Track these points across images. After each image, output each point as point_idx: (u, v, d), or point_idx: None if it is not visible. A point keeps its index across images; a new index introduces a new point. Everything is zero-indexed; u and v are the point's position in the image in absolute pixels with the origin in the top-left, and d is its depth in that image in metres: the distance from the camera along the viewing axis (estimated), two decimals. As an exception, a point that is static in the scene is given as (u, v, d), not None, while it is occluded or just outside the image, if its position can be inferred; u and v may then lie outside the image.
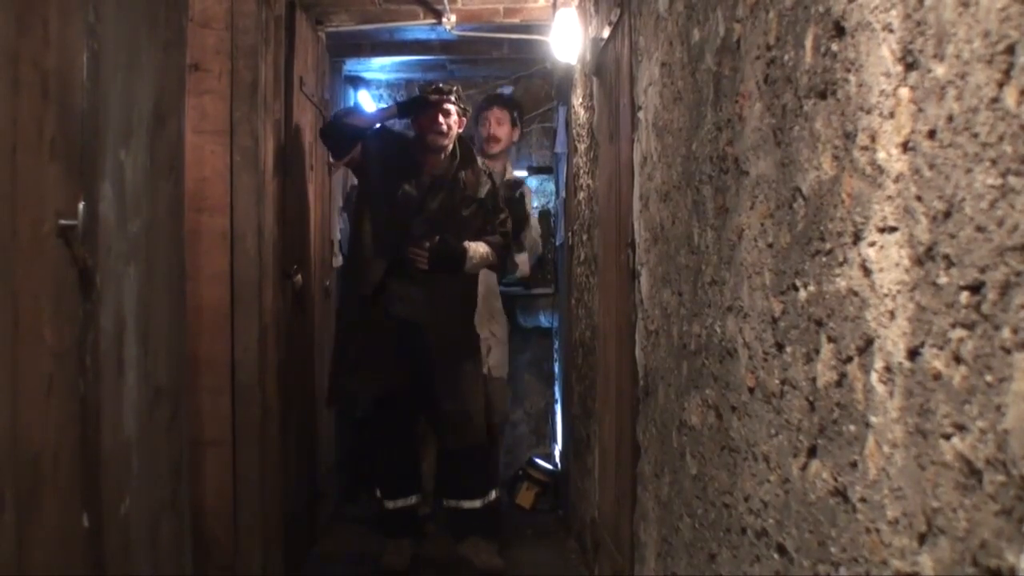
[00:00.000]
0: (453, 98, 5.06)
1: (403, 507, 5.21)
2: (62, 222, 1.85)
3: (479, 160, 5.36)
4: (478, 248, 5.14)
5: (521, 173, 6.87)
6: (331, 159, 5.63)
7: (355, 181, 6.20)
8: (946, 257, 1.16)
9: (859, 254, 1.43)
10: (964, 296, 1.12)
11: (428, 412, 5.25)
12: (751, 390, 1.99)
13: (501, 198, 5.38)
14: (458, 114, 5.10)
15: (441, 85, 5.10)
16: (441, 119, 5.02)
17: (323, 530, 5.57)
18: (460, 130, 5.19)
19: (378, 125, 5.24)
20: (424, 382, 5.08)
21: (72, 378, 1.92)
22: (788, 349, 1.75)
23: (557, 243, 6.47)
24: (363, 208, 5.20)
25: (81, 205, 1.92)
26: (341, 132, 5.13)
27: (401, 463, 5.25)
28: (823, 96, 1.59)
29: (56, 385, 1.84)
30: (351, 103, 6.95)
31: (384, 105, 7.06)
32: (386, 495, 5.22)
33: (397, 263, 5.00)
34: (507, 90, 7.10)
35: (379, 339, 4.99)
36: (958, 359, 1.13)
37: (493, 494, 5.29)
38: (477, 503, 5.21)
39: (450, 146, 5.11)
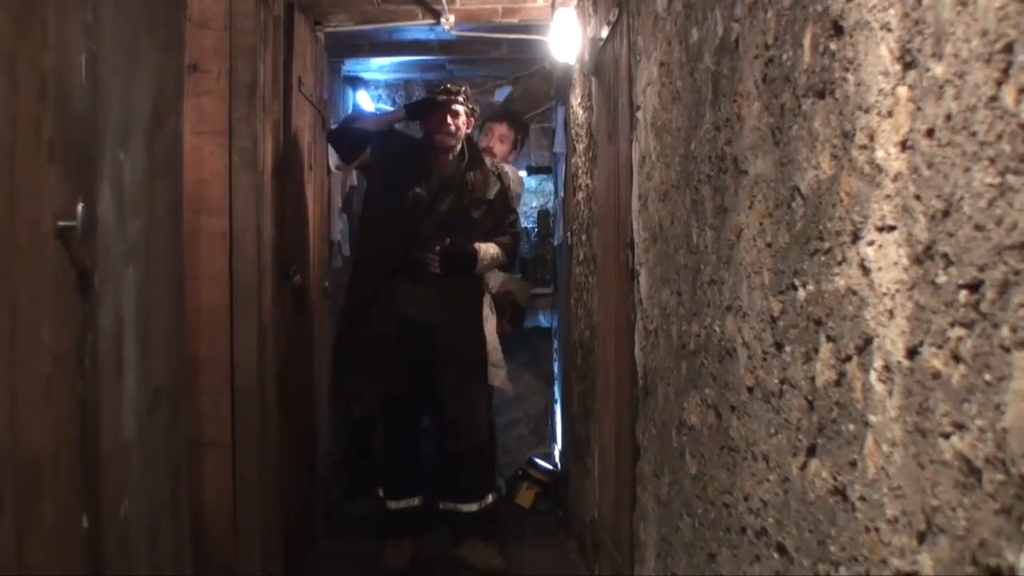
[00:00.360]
0: (461, 99, 5.06)
1: (405, 508, 5.21)
2: (61, 223, 1.85)
3: (487, 160, 5.36)
4: (488, 249, 5.15)
5: (520, 174, 6.88)
6: (337, 163, 5.63)
7: (355, 182, 6.22)
8: (945, 256, 1.16)
9: (858, 253, 1.43)
10: (963, 295, 1.12)
11: (430, 413, 5.26)
12: (750, 389, 1.99)
13: (511, 198, 5.40)
14: (466, 115, 5.10)
15: (449, 86, 5.11)
16: (449, 120, 5.03)
17: (323, 530, 5.57)
18: (468, 130, 5.20)
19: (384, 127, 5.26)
20: (428, 382, 5.08)
21: (71, 379, 1.92)
22: (787, 348, 1.75)
23: (556, 243, 6.47)
24: (371, 209, 5.21)
25: (80, 206, 1.92)
26: (350, 136, 5.14)
27: (404, 463, 5.25)
28: (821, 95, 1.59)
29: (55, 386, 1.83)
30: (350, 104, 6.95)
31: (385, 107, 7.07)
32: (388, 495, 5.22)
33: (405, 264, 5.01)
34: (505, 91, 7.10)
35: (384, 339, 5.00)
36: (957, 358, 1.13)
37: (491, 497, 5.28)
38: (474, 506, 5.21)
39: (459, 147, 5.12)
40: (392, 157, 5.09)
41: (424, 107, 5.15)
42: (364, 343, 5.04)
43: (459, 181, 5.11)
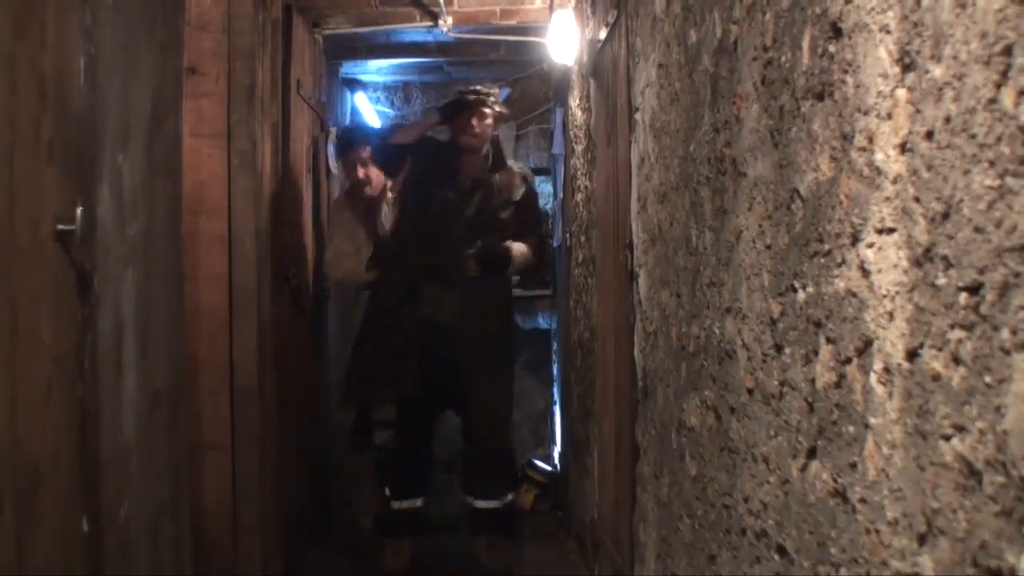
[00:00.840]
0: (490, 100, 5.09)
1: (408, 508, 5.23)
2: (60, 226, 1.85)
3: (511, 162, 5.41)
4: (520, 248, 5.18)
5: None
6: (390, 185, 5.62)
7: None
8: (944, 258, 1.16)
9: (857, 255, 1.43)
10: (963, 297, 1.12)
11: (459, 412, 5.30)
12: (750, 391, 1.99)
13: (537, 200, 5.45)
14: (493, 118, 5.13)
15: (479, 88, 5.15)
16: (475, 122, 5.05)
17: (323, 531, 5.57)
18: (496, 132, 5.22)
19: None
20: (451, 384, 5.11)
21: (71, 381, 1.92)
22: (787, 350, 1.75)
23: (555, 244, 6.47)
24: (402, 212, 5.23)
25: (79, 209, 1.92)
26: (390, 154, 5.21)
27: (413, 464, 5.26)
28: (820, 97, 1.59)
29: (55, 388, 1.83)
30: (348, 106, 6.95)
31: (384, 109, 7.06)
32: (394, 495, 5.24)
33: (433, 267, 5.03)
34: (504, 93, 7.09)
35: (407, 340, 5.03)
36: (957, 360, 1.13)
37: (510, 496, 5.32)
38: (494, 503, 5.24)
39: (484, 149, 5.14)
40: (425, 159, 5.13)
41: (454, 108, 5.17)
42: (385, 345, 5.06)
43: (485, 183, 5.15)
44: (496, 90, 5.21)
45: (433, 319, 5.03)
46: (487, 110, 5.07)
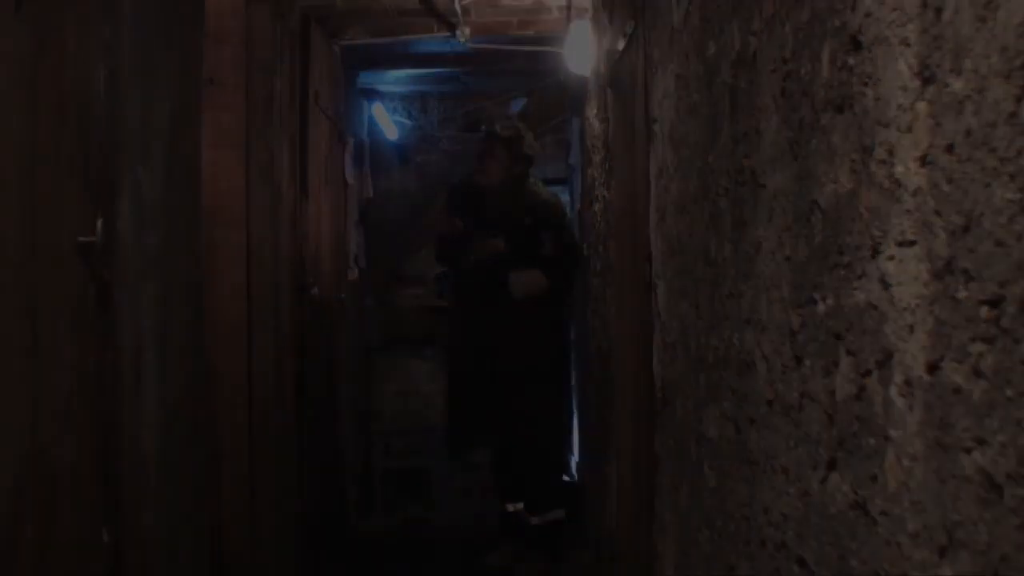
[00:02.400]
0: (501, 133, 5.21)
1: (514, 511, 5.61)
2: (81, 239, 1.87)
3: (527, 184, 5.48)
4: (526, 276, 5.24)
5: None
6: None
7: (371, 194, 6.25)
8: (965, 271, 1.16)
9: (877, 268, 1.43)
10: (984, 310, 1.12)
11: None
12: (769, 403, 1.98)
13: (559, 225, 5.56)
14: (506, 154, 5.19)
15: (492, 127, 5.35)
16: (485, 160, 5.20)
17: (341, 543, 5.58)
18: (518, 168, 5.32)
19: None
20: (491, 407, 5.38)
21: (91, 394, 1.93)
22: (807, 362, 1.75)
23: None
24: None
25: (99, 222, 1.93)
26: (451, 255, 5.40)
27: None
28: (840, 110, 1.59)
29: (76, 401, 1.85)
30: (366, 117, 6.96)
31: (402, 119, 7.07)
32: (505, 496, 5.69)
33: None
34: (520, 103, 7.10)
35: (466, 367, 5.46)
36: (978, 373, 1.13)
37: (550, 515, 5.51)
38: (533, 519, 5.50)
39: (501, 183, 5.20)
40: (462, 200, 5.36)
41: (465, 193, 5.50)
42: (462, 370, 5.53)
43: (505, 214, 5.19)
44: (507, 123, 5.26)
45: (476, 344, 5.33)
46: (497, 146, 5.15)
